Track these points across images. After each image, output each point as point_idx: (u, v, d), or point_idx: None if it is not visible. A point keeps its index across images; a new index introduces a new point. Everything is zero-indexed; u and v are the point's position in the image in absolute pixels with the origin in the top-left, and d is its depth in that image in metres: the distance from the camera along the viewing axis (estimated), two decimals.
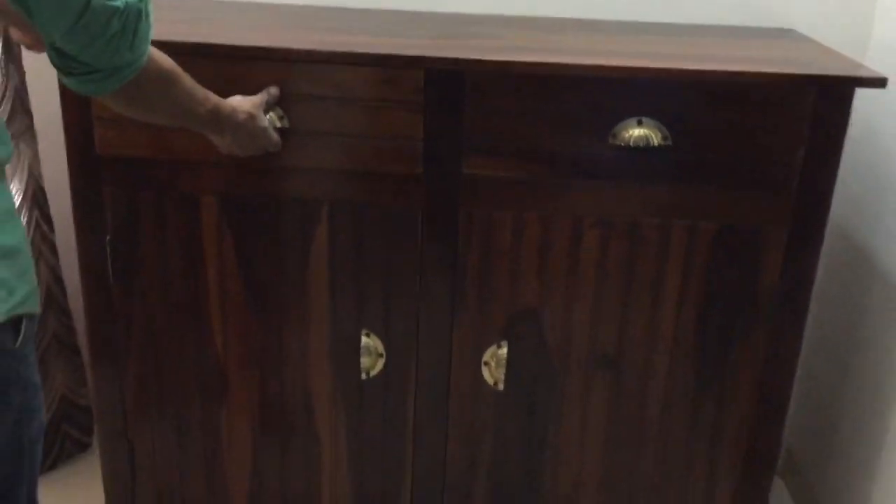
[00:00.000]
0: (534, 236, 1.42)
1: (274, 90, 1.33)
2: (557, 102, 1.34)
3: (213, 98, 1.18)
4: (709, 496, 1.54)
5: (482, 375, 1.50)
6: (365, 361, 1.50)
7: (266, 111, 1.32)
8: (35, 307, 0.92)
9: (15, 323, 0.89)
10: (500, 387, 1.50)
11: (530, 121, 1.35)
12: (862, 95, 1.72)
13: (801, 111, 1.31)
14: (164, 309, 1.50)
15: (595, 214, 1.39)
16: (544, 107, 1.34)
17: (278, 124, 1.36)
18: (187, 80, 1.10)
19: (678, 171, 1.36)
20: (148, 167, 1.41)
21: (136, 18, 0.89)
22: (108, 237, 1.45)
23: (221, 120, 1.22)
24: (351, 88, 1.35)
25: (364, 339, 1.49)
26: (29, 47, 1.09)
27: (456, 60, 1.32)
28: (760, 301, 1.41)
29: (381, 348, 1.50)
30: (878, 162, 1.68)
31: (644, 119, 1.33)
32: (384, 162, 1.39)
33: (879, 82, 1.28)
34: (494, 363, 1.49)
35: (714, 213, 1.38)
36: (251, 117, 1.28)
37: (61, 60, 0.92)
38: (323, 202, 1.42)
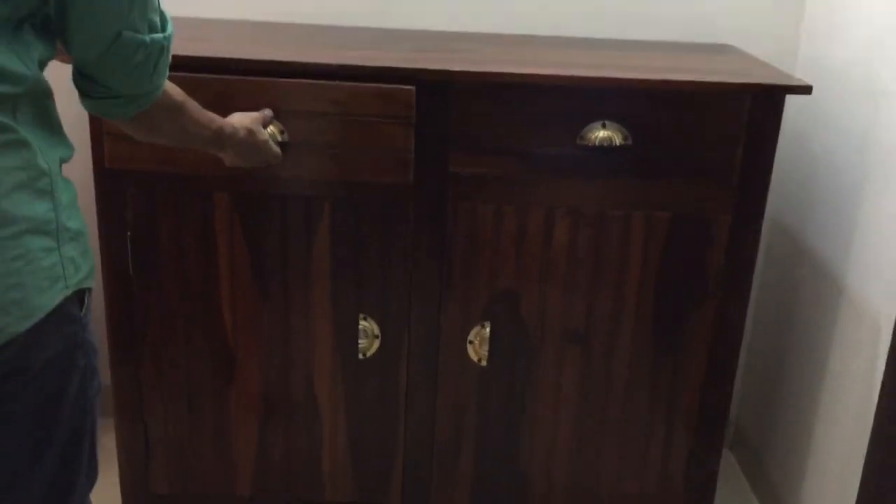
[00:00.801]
0: (512, 226, 1.60)
1: (268, 111, 1.46)
2: (532, 108, 1.53)
3: (218, 120, 1.27)
4: (667, 455, 1.74)
5: (467, 353, 1.68)
6: (362, 343, 1.67)
7: (264, 126, 1.44)
8: (93, 282, 1.05)
9: (80, 295, 1.01)
10: (484, 363, 1.68)
11: (508, 124, 1.54)
12: (793, 105, 1.95)
13: (739, 115, 1.53)
14: (179, 297, 1.64)
15: (565, 206, 1.59)
16: (520, 112, 1.53)
17: (279, 138, 1.50)
18: (194, 107, 1.19)
19: (637, 167, 1.56)
20: (163, 166, 1.56)
21: (158, 53, 1.00)
22: (128, 233, 1.60)
23: (224, 139, 1.30)
24: (345, 104, 1.49)
25: (362, 323, 1.66)
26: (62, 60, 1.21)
27: (443, 72, 1.50)
28: (709, 280, 1.62)
29: (376, 330, 1.67)
30: (809, 164, 1.91)
31: (607, 122, 1.53)
32: (377, 173, 1.53)
33: (806, 89, 1.50)
34: (478, 342, 1.67)
35: (668, 204, 1.58)
36: (251, 133, 1.37)
37: (84, 83, 1.01)
38: (325, 199, 1.59)
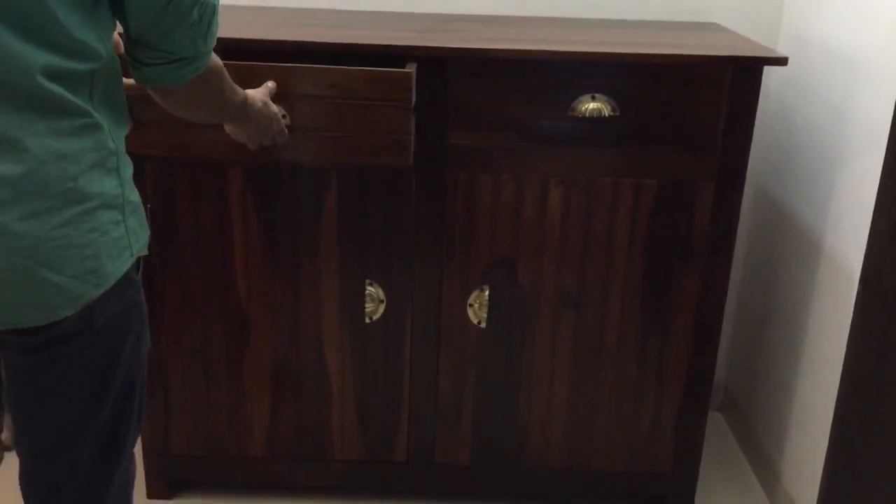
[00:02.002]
0: (508, 195, 1.70)
1: (272, 84, 1.43)
2: (526, 82, 1.63)
3: (241, 89, 1.27)
4: (658, 410, 1.84)
5: (468, 316, 1.77)
6: (369, 307, 1.76)
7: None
8: (146, 250, 1.14)
9: (137, 261, 1.11)
10: (483, 325, 1.78)
11: (504, 98, 1.63)
12: (776, 80, 2.05)
13: (721, 87, 1.62)
14: (196, 267, 1.74)
15: (558, 175, 1.68)
16: (515, 86, 1.63)
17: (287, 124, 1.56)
18: (226, 73, 1.19)
19: (625, 137, 1.65)
20: (180, 142, 1.64)
21: (211, 12, 1.02)
22: (148, 205, 1.69)
23: (248, 109, 1.30)
24: (344, 88, 1.47)
25: (368, 288, 1.75)
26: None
27: (442, 49, 1.60)
28: (695, 243, 1.71)
29: (382, 295, 1.76)
30: (792, 135, 2.00)
31: (597, 95, 1.62)
32: (376, 156, 1.51)
33: (782, 61, 1.60)
34: (478, 305, 1.77)
35: (654, 171, 1.67)
36: (265, 104, 1.37)
37: (140, 51, 1.02)
38: (332, 170, 1.68)
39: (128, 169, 1.07)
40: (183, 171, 1.68)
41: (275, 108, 1.42)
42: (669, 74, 1.62)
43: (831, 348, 1.75)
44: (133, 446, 1.22)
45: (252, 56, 1.51)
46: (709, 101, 1.63)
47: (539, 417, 1.85)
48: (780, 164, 2.06)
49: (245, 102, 1.29)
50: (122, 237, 1.05)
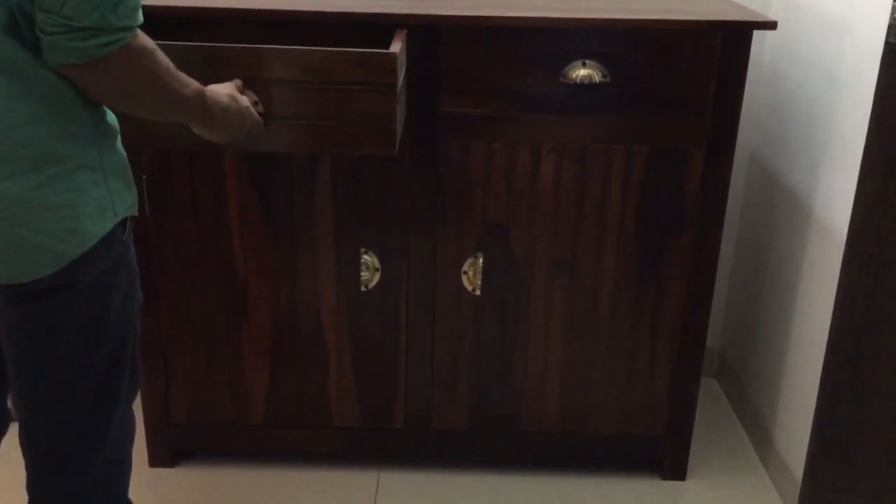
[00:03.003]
0: (501, 162, 1.71)
1: (238, 81, 1.30)
2: (517, 50, 1.63)
3: (195, 82, 1.14)
4: (651, 374, 1.86)
5: (462, 283, 1.80)
6: (364, 275, 1.79)
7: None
8: (135, 210, 1.16)
9: (124, 221, 1.13)
10: (478, 292, 1.80)
11: (495, 66, 1.64)
12: (769, 45, 2.05)
13: (711, 52, 1.63)
14: (193, 238, 1.76)
15: (550, 142, 1.69)
16: (506, 54, 1.64)
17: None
18: (170, 64, 1.08)
19: (615, 103, 1.66)
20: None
21: None
22: (143, 176, 1.70)
23: (208, 103, 1.17)
24: (322, 72, 1.33)
25: (363, 257, 1.77)
26: None
27: (434, 17, 1.60)
28: (687, 208, 1.73)
29: (377, 264, 1.78)
30: (784, 101, 2.01)
31: (587, 61, 1.63)
32: (359, 145, 1.39)
33: (771, 25, 1.60)
34: (472, 272, 1.79)
35: (646, 137, 1.69)
36: (233, 98, 1.24)
37: (43, 18, 0.93)
38: None
39: (107, 129, 1.08)
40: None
41: (245, 100, 1.28)
42: (659, 40, 1.62)
43: (822, 312, 1.77)
44: (129, 403, 1.25)
45: (229, 28, 1.49)
46: (699, 67, 1.64)
47: (534, 383, 1.87)
48: (772, 131, 2.08)
49: (201, 97, 1.15)
50: (103, 197, 1.06)
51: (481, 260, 1.77)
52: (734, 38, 1.62)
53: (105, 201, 1.07)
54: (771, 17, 1.99)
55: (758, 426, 2.09)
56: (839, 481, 1.41)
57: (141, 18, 1.00)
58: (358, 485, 1.93)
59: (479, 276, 1.78)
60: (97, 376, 1.16)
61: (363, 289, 1.79)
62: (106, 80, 1.00)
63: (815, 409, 1.52)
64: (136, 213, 1.17)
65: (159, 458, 1.95)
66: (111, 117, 1.11)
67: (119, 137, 1.13)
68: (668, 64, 1.64)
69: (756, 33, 1.64)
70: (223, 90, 1.24)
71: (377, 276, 1.79)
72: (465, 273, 1.79)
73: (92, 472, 1.22)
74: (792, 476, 1.88)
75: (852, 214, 1.37)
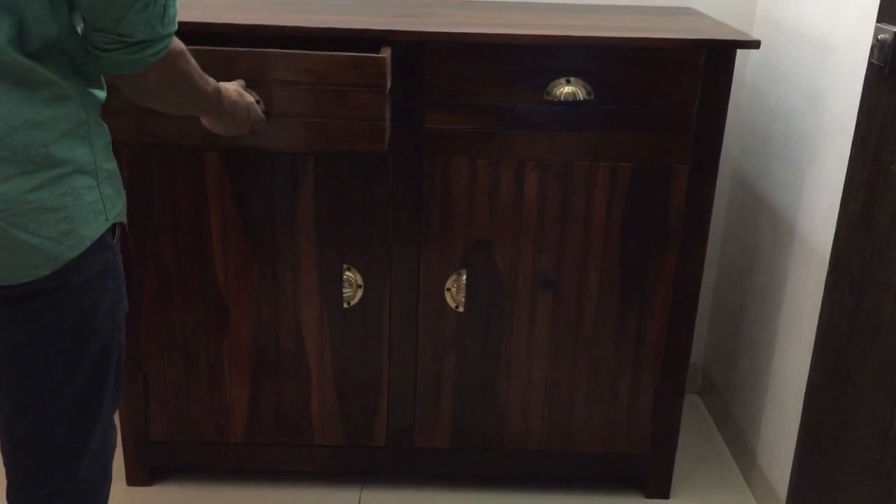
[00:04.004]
0: (485, 178, 1.71)
1: (241, 81, 1.42)
2: (502, 66, 1.63)
3: (213, 80, 1.25)
4: (635, 392, 1.86)
5: (445, 300, 1.79)
6: (347, 292, 1.77)
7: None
8: (124, 217, 1.18)
9: (112, 227, 1.15)
10: (461, 309, 1.79)
11: (480, 82, 1.64)
12: (752, 63, 2.06)
13: (695, 70, 1.63)
14: (173, 252, 1.74)
15: (535, 159, 1.69)
16: (491, 70, 1.63)
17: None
18: (193, 60, 1.17)
19: (600, 120, 1.66)
20: (157, 127, 1.64)
21: None
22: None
23: (222, 99, 1.28)
24: (318, 73, 1.45)
25: (346, 273, 1.76)
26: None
27: (419, 33, 1.60)
28: (670, 225, 1.73)
29: (360, 280, 1.77)
30: (766, 118, 2.02)
31: (572, 79, 1.63)
32: (351, 142, 1.49)
33: (754, 44, 1.61)
34: (455, 289, 1.78)
35: (630, 154, 1.69)
36: (240, 94, 1.36)
37: (96, 37, 1.02)
38: (309, 155, 1.68)
39: (101, 138, 1.11)
40: (159, 155, 1.68)
41: (249, 97, 1.41)
42: (643, 58, 1.63)
43: (805, 330, 1.77)
44: (111, 414, 1.25)
45: (228, 42, 1.51)
46: (683, 85, 1.64)
47: (517, 400, 1.86)
48: (755, 149, 2.08)
49: (218, 93, 1.27)
50: (97, 202, 1.09)
51: (465, 277, 1.76)
52: (717, 56, 1.62)
53: (98, 206, 1.09)
54: (754, 35, 2.01)
55: (741, 444, 2.09)
56: (822, 501, 1.41)
57: (177, 24, 1.08)
58: (340, 503, 1.91)
59: (463, 293, 1.77)
60: (83, 380, 1.16)
61: (346, 305, 1.78)
62: (152, 81, 1.10)
63: (799, 428, 1.52)
64: (125, 220, 1.18)
65: (137, 476, 1.92)
66: (104, 126, 1.13)
67: (111, 145, 1.14)
68: (653, 82, 1.64)
69: (739, 52, 1.65)
70: (231, 86, 1.36)
71: (360, 293, 1.78)
72: (449, 290, 1.78)
73: (74, 478, 1.22)
74: (775, 494, 1.87)
75: (836, 234, 1.38)
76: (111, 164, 1.12)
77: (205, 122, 1.35)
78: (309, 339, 1.81)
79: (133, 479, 1.91)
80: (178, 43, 1.10)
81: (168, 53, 1.07)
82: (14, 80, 0.98)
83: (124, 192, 1.17)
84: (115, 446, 1.30)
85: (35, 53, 0.99)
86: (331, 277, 1.76)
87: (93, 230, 1.08)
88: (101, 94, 1.12)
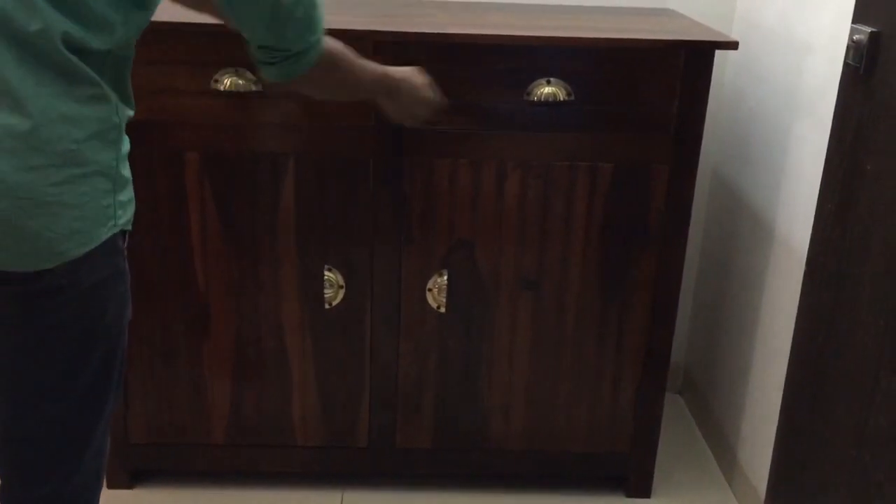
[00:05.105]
0: (466, 179, 1.71)
1: (419, 68, 1.50)
2: (482, 67, 1.64)
3: (371, 63, 1.38)
4: (616, 391, 1.86)
5: (427, 301, 1.79)
6: (328, 293, 1.77)
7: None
8: (131, 225, 1.18)
9: (123, 232, 1.15)
10: (443, 310, 1.79)
11: (460, 83, 1.64)
12: (731, 65, 2.08)
13: (674, 71, 1.64)
14: (153, 252, 1.73)
15: (515, 159, 1.70)
16: (471, 71, 1.64)
17: (253, 88, 1.61)
18: (350, 52, 1.32)
19: (580, 121, 1.67)
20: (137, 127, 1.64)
21: (311, 6, 1.16)
22: None
23: (388, 81, 1.42)
24: None
25: (327, 274, 1.76)
26: None
27: (400, 33, 1.60)
28: (651, 225, 1.74)
29: (341, 281, 1.77)
30: (745, 119, 2.04)
31: (552, 79, 1.64)
32: (342, 117, 1.63)
33: (732, 45, 1.62)
34: (437, 290, 1.78)
35: (610, 154, 1.69)
36: (410, 75, 1.47)
37: (264, 54, 1.19)
38: (290, 155, 1.68)
39: (125, 146, 1.12)
40: (138, 155, 1.66)
41: (424, 79, 1.49)
42: (623, 59, 1.63)
43: (784, 328, 1.79)
44: (110, 416, 1.24)
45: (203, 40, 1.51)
46: (662, 85, 1.65)
47: (499, 400, 1.87)
48: (734, 149, 2.10)
49: (386, 76, 1.41)
50: (110, 207, 1.09)
51: (446, 277, 1.76)
52: (696, 57, 1.63)
53: (110, 210, 1.10)
54: (733, 36, 2.03)
55: (722, 442, 2.10)
56: (801, 498, 1.42)
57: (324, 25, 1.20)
58: None
59: (444, 294, 1.77)
60: (88, 382, 1.16)
61: (327, 306, 1.78)
62: (310, 78, 1.23)
63: (778, 425, 1.53)
64: (131, 228, 1.18)
65: (117, 479, 1.90)
66: (127, 137, 1.15)
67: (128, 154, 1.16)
68: (632, 82, 1.65)
69: (718, 52, 1.66)
70: (407, 70, 1.46)
71: (341, 294, 1.77)
72: (430, 290, 1.78)
73: (71, 480, 1.21)
74: (756, 492, 1.88)
75: (812, 232, 1.39)
76: (128, 174, 1.14)
77: (383, 106, 1.46)
78: (290, 340, 1.81)
79: (113, 482, 1.90)
80: (333, 45, 1.24)
81: (322, 53, 1.20)
82: (57, 72, 0.99)
83: (134, 201, 1.18)
84: (108, 448, 1.29)
85: (84, 51, 1.01)
86: (312, 278, 1.76)
87: (101, 233, 1.09)
88: (132, 110, 1.13)
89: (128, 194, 1.14)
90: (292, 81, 1.23)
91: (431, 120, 1.53)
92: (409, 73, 1.47)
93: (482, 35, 1.61)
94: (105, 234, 1.10)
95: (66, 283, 1.09)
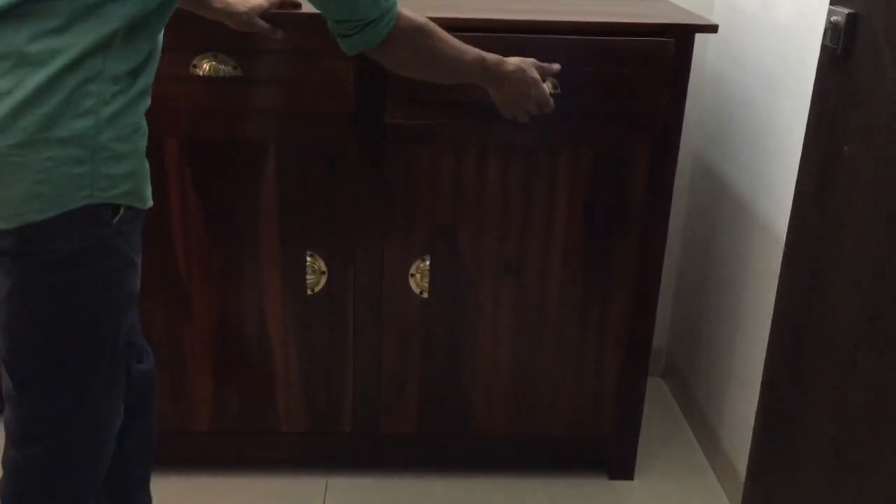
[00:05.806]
0: (448, 164, 1.70)
1: (533, 61, 1.47)
2: None
3: (474, 49, 1.38)
4: (599, 377, 1.87)
5: (410, 286, 1.78)
6: (310, 279, 1.77)
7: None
8: (135, 202, 1.16)
9: (115, 207, 1.13)
10: (426, 295, 1.79)
11: None
12: (712, 49, 2.08)
13: (654, 54, 1.64)
14: None
15: (497, 145, 1.69)
16: None
17: (232, 73, 1.60)
18: (442, 32, 1.33)
19: (560, 106, 1.65)
20: None
21: None
22: None
23: (490, 68, 1.40)
24: (292, 41, 1.57)
25: (309, 260, 1.75)
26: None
27: None
28: (632, 210, 1.74)
29: (323, 267, 1.76)
30: (727, 104, 2.04)
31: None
32: (323, 102, 1.62)
33: (712, 28, 1.62)
34: (420, 275, 1.78)
35: (591, 140, 1.69)
36: (520, 69, 1.43)
37: (341, 27, 1.24)
38: (271, 141, 1.67)
39: (123, 119, 1.10)
40: None
41: (535, 74, 1.46)
42: (602, 44, 1.63)
43: (765, 312, 1.80)
44: (108, 392, 1.25)
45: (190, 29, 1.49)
46: (643, 71, 1.65)
47: (483, 385, 1.87)
48: (715, 134, 2.10)
49: (483, 60, 1.39)
50: (83, 176, 1.08)
51: (429, 262, 1.76)
52: (676, 42, 1.63)
53: (84, 180, 1.08)
54: (713, 20, 2.02)
55: (704, 426, 2.12)
56: (781, 479, 1.43)
57: None
58: (306, 491, 1.91)
59: (427, 279, 1.77)
60: (66, 350, 1.16)
61: (309, 292, 1.77)
62: (398, 55, 1.30)
63: (757, 407, 1.54)
64: (134, 205, 1.16)
65: None
66: (136, 113, 1.14)
67: (145, 138, 1.17)
68: (612, 67, 1.64)
69: (699, 36, 1.66)
70: (516, 60, 1.44)
71: (323, 280, 1.77)
72: (413, 276, 1.78)
73: (50, 448, 1.21)
74: (738, 475, 1.90)
75: (790, 216, 1.40)
76: (126, 148, 1.12)
77: (493, 96, 1.47)
78: (272, 326, 1.80)
79: None
80: (414, 19, 1.28)
81: (396, 25, 1.24)
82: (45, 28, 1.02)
83: (143, 179, 1.17)
84: (110, 431, 1.29)
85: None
86: (294, 264, 1.75)
87: (67, 201, 1.08)
88: (135, 83, 1.12)
89: (122, 168, 1.12)
90: (376, 55, 1.28)
91: (532, 117, 1.50)
92: (521, 66, 1.43)
93: (461, 19, 1.61)
94: (76, 203, 1.08)
95: (43, 248, 1.08)
